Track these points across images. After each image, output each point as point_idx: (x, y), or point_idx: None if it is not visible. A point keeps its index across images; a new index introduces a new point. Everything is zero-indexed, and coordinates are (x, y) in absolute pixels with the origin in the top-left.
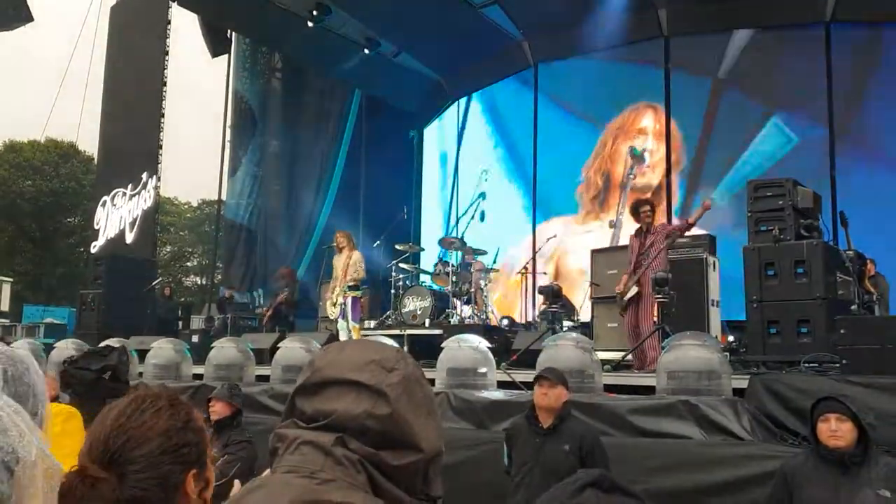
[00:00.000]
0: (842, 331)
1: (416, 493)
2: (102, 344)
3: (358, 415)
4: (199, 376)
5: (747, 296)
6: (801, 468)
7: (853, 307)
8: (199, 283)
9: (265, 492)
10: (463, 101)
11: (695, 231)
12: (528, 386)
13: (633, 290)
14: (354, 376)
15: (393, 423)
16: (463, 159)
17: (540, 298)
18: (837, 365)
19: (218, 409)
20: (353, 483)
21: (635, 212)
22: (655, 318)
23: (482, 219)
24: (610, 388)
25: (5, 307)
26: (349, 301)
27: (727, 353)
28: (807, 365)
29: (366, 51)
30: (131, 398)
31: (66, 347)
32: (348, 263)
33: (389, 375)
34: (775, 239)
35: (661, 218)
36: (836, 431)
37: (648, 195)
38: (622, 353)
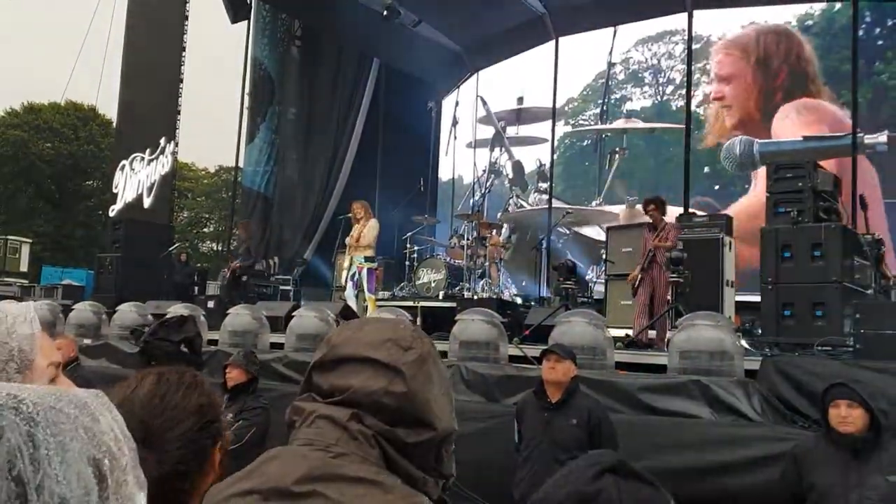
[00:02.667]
0: (857, 315)
1: (428, 470)
2: (172, 312)
3: (374, 392)
4: (213, 342)
5: (763, 277)
6: (811, 452)
7: (869, 292)
8: (215, 249)
9: (280, 462)
10: (482, 72)
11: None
12: (540, 361)
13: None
14: (371, 354)
15: (408, 401)
16: (479, 132)
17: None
18: (851, 349)
19: (234, 376)
20: (367, 458)
21: (644, 209)
22: (669, 299)
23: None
24: (622, 366)
25: (24, 268)
26: (364, 272)
27: (740, 335)
28: (820, 348)
29: (385, 13)
30: (158, 378)
31: (84, 309)
32: (362, 232)
33: (406, 354)
34: (793, 221)
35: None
36: (846, 417)
37: None
38: (632, 330)
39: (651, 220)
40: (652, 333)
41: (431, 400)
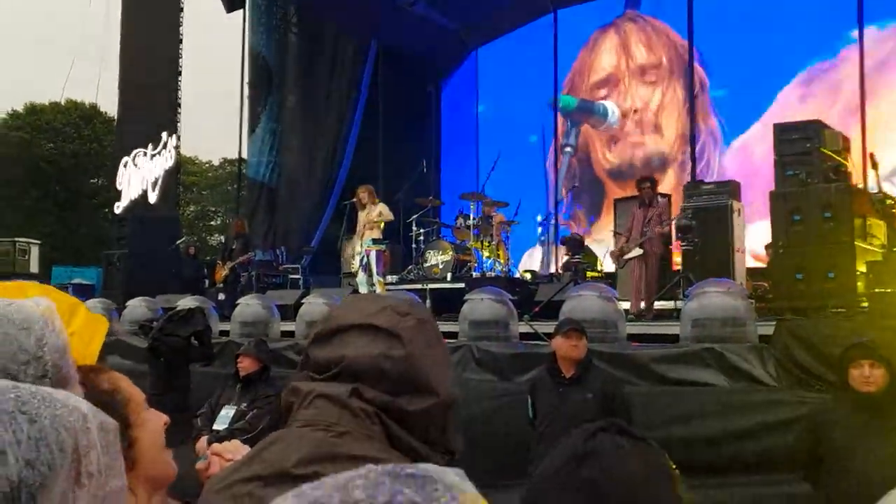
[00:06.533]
0: (870, 275)
1: (432, 444)
2: (180, 306)
3: (374, 356)
4: (225, 333)
5: (773, 241)
6: (829, 414)
7: (882, 250)
8: (223, 241)
9: (282, 445)
10: (482, 49)
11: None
12: (551, 337)
13: (637, 252)
14: (369, 320)
15: (409, 364)
16: (482, 110)
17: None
18: (865, 310)
19: (246, 365)
20: (369, 434)
21: (638, 187)
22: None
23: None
24: (634, 338)
25: (35, 269)
26: (373, 255)
27: (752, 300)
28: (834, 310)
29: None
30: None
31: (93, 306)
32: (371, 216)
33: (404, 319)
34: (801, 183)
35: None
36: (868, 377)
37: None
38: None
39: (644, 197)
40: (641, 304)
41: (432, 364)
